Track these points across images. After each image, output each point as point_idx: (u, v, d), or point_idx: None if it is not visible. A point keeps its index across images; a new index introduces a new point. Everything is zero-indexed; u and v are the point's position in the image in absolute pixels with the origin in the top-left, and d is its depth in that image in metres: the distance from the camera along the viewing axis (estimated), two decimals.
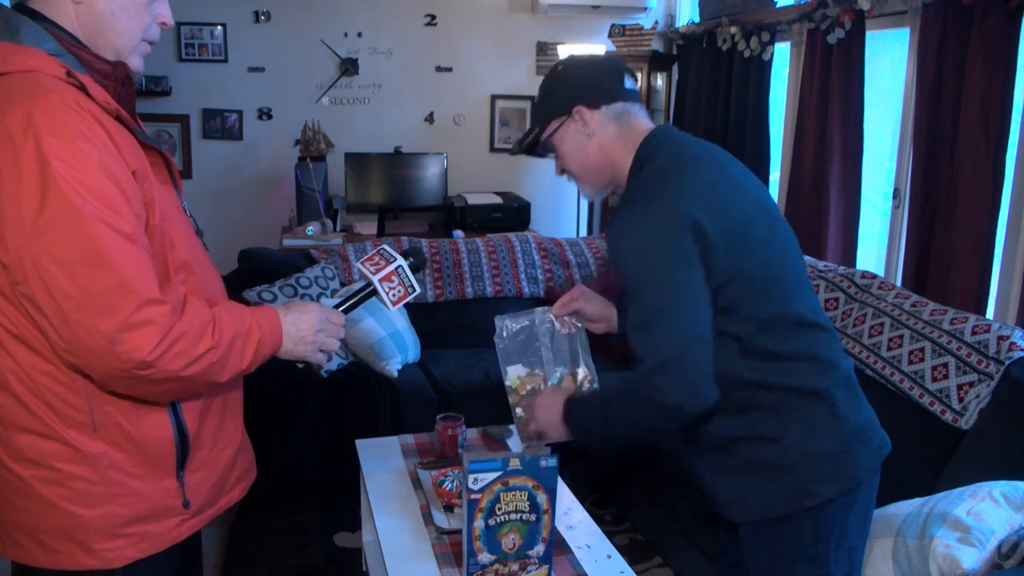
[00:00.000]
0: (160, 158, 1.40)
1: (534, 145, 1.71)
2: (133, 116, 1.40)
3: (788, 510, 1.56)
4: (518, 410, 1.81)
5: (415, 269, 1.66)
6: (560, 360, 1.81)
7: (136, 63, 1.39)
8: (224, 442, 1.51)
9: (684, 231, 1.44)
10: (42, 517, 1.33)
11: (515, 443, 2.45)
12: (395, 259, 1.63)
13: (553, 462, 1.64)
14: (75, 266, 1.17)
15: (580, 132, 1.64)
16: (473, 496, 1.61)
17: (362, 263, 1.65)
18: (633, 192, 1.56)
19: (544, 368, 1.80)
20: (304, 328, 1.48)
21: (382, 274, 1.62)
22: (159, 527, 1.40)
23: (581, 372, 1.81)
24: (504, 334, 1.81)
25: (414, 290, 1.65)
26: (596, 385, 1.80)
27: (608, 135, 1.63)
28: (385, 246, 1.68)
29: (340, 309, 1.60)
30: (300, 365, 1.57)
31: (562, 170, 1.72)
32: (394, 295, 1.63)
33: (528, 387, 1.80)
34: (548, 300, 2.02)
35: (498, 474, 1.61)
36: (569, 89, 1.64)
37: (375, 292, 1.63)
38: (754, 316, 1.51)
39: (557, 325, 1.81)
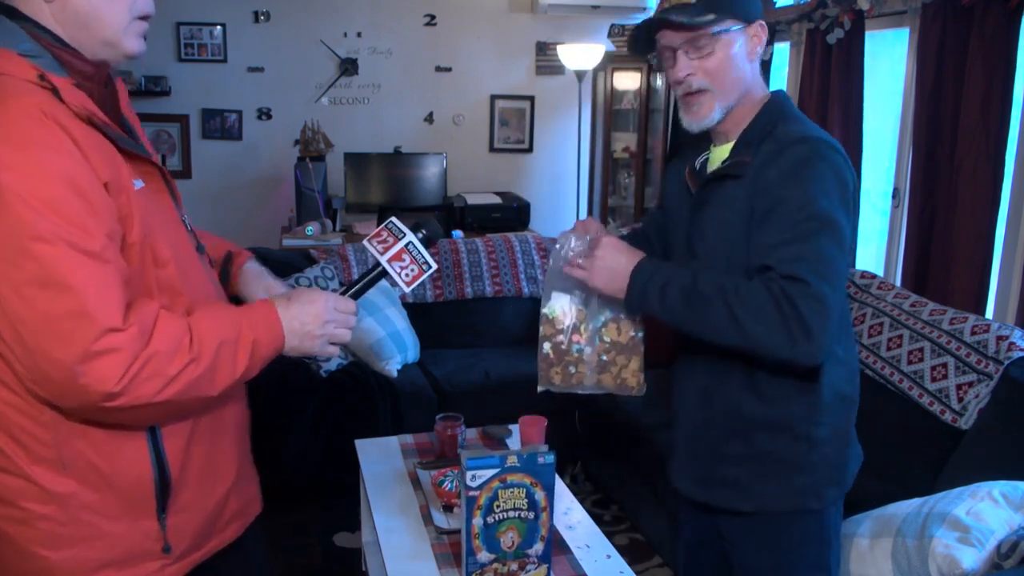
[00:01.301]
0: (152, 167, 1.32)
1: (689, 29, 1.48)
2: (118, 120, 1.31)
3: (789, 508, 1.55)
4: (546, 345, 1.65)
5: (428, 243, 1.46)
6: (608, 303, 1.62)
7: (134, 45, 1.27)
8: (215, 478, 1.39)
9: (853, 191, 1.45)
10: (9, 558, 1.25)
11: (514, 444, 2.45)
12: (404, 234, 1.44)
13: (550, 459, 1.64)
14: (27, 288, 1.08)
15: (748, 48, 1.51)
16: (471, 493, 1.60)
17: (368, 240, 1.46)
18: (799, 135, 1.45)
19: (590, 305, 1.63)
20: (310, 321, 1.34)
21: (391, 253, 1.43)
22: (135, 573, 1.28)
23: (628, 323, 1.65)
24: (563, 251, 1.60)
25: (429, 267, 1.45)
26: (640, 335, 1.66)
27: (755, 68, 1.55)
28: (394, 219, 1.48)
29: (348, 294, 1.44)
30: (309, 360, 1.45)
31: (690, 75, 1.51)
32: (407, 275, 1.44)
33: (567, 323, 1.64)
34: None
35: (496, 471, 1.61)
36: (755, 1, 1.53)
37: (385, 273, 1.45)
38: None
39: None
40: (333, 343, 1.40)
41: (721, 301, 1.38)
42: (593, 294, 1.61)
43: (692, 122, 1.55)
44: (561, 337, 1.65)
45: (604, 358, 1.66)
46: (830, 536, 1.59)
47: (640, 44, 1.60)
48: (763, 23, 1.52)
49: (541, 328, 1.66)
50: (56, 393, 1.14)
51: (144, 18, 1.29)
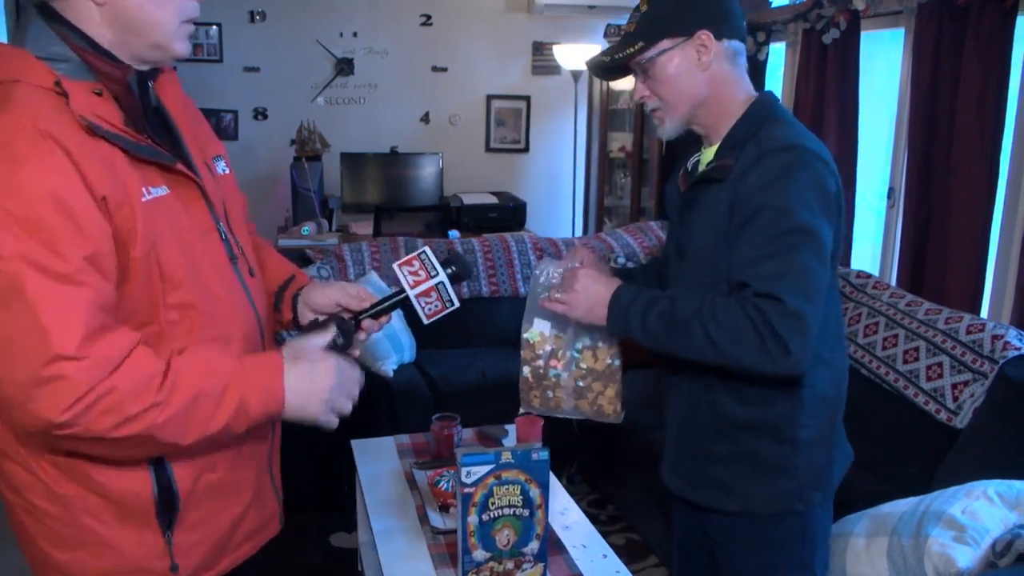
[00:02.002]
0: (184, 176, 1.27)
1: (624, 64, 1.54)
2: (143, 122, 1.25)
3: (774, 510, 1.56)
4: (525, 369, 1.68)
5: (457, 279, 1.46)
6: (587, 330, 1.65)
7: (182, 47, 1.27)
8: (233, 497, 1.34)
9: (836, 198, 1.44)
10: (26, 546, 1.27)
11: (511, 444, 2.45)
12: (437, 273, 1.43)
13: (544, 455, 1.64)
14: None
15: (694, 59, 1.50)
16: (467, 490, 1.60)
17: (400, 266, 1.46)
18: (780, 142, 1.44)
19: (568, 332, 1.66)
20: (319, 384, 1.27)
21: (420, 289, 1.43)
22: None
23: (604, 351, 1.66)
24: (543, 279, 1.64)
25: (452, 305, 1.46)
26: (617, 363, 1.67)
27: (722, 72, 1.51)
28: (427, 251, 1.46)
29: (370, 314, 1.45)
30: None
31: (645, 97, 1.56)
32: (430, 309, 1.45)
33: (546, 348, 1.67)
34: None
35: (491, 467, 1.61)
36: (697, 9, 1.49)
37: (407, 300, 1.45)
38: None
39: None
40: (336, 413, 1.32)
41: (699, 325, 1.40)
42: (571, 322, 1.63)
43: (660, 133, 1.61)
44: (540, 362, 1.69)
45: (580, 384, 1.69)
46: (815, 537, 1.59)
47: (603, 74, 1.66)
48: (708, 32, 1.48)
49: (522, 352, 1.69)
50: (11, 415, 1.12)
51: (191, 21, 1.29)
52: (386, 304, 1.47)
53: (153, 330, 1.21)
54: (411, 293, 1.43)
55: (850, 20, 3.41)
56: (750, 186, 1.43)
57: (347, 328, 1.40)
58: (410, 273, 1.44)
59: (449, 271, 1.44)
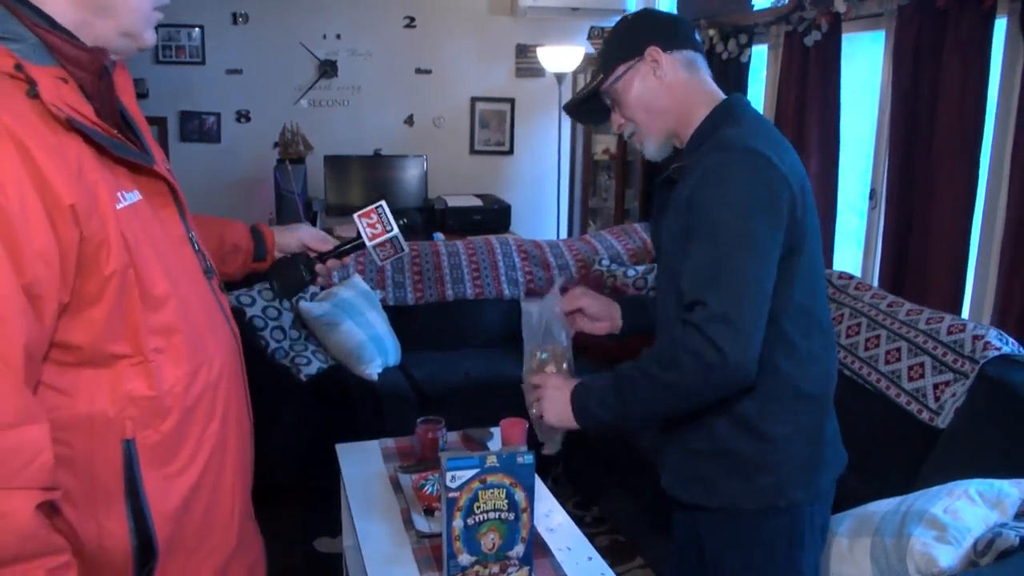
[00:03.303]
0: (157, 177, 1.16)
1: (592, 96, 1.64)
2: (113, 116, 1.14)
3: (755, 506, 1.56)
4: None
5: (409, 230, 1.69)
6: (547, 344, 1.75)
7: (150, 36, 1.18)
8: (211, 547, 1.26)
9: (782, 191, 1.44)
10: None
11: (496, 446, 2.45)
12: (392, 228, 1.65)
13: (530, 459, 1.64)
14: None
15: (650, 75, 1.57)
16: (452, 494, 1.60)
17: (359, 217, 1.66)
18: (723, 143, 1.48)
19: (542, 354, 1.75)
20: None
21: (377, 241, 1.65)
22: None
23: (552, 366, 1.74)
24: (534, 320, 1.75)
25: (403, 251, 1.68)
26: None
27: (680, 80, 1.58)
28: (383, 205, 1.68)
29: (331, 255, 1.67)
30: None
31: (621, 125, 1.64)
32: (383, 254, 1.67)
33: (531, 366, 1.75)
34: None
35: (476, 471, 1.60)
36: (642, 31, 1.59)
37: (364, 247, 1.67)
38: (794, 298, 1.49)
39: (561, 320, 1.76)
40: None
41: (639, 373, 1.47)
42: (554, 340, 1.74)
43: (648, 157, 1.67)
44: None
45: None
46: (803, 538, 1.59)
47: (582, 117, 1.77)
48: (656, 47, 1.55)
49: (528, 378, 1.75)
50: None
51: (161, 9, 1.20)
52: (345, 247, 1.69)
53: (135, 364, 1.11)
54: (369, 245, 1.65)
55: (831, 22, 3.43)
56: (690, 188, 1.47)
57: (310, 265, 1.66)
58: (368, 225, 1.65)
59: (401, 222, 1.67)
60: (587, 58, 4.98)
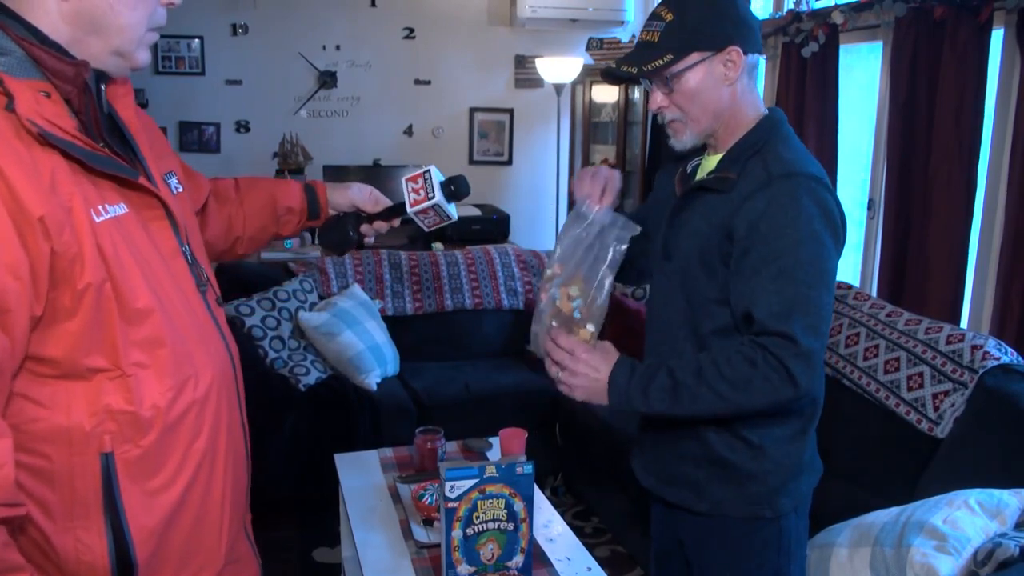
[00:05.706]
0: (143, 190, 1.15)
1: (651, 74, 1.47)
2: (98, 130, 1.13)
3: (743, 514, 1.56)
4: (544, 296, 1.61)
5: (455, 197, 1.61)
6: (574, 273, 1.58)
7: (143, 56, 1.17)
8: (198, 564, 1.23)
9: (843, 224, 1.46)
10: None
11: (495, 457, 2.45)
12: (434, 195, 1.57)
13: (529, 469, 1.64)
14: None
15: (720, 74, 1.47)
16: (451, 505, 1.60)
17: (407, 181, 1.61)
18: (785, 168, 1.44)
19: (567, 266, 1.59)
20: None
21: (420, 207, 1.58)
22: None
23: (578, 295, 1.57)
24: (584, 212, 1.61)
25: (450, 219, 1.62)
26: (579, 315, 1.58)
27: (742, 86, 1.50)
28: (432, 170, 1.60)
29: (379, 217, 1.65)
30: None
31: (663, 108, 1.52)
32: (428, 222, 1.62)
33: (547, 274, 1.62)
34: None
35: (475, 481, 1.60)
36: (727, 24, 1.46)
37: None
38: None
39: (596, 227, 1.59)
40: None
41: (705, 387, 1.42)
42: (574, 258, 1.58)
43: (675, 144, 1.58)
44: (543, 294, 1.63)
45: (554, 324, 1.59)
46: (790, 546, 1.59)
47: (615, 80, 1.63)
48: (737, 48, 1.46)
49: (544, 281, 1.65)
50: None
51: (156, 30, 1.18)
52: (393, 210, 1.66)
53: (113, 378, 1.10)
54: (410, 211, 1.59)
55: (829, 34, 3.44)
56: (756, 210, 1.42)
57: (358, 225, 1.67)
58: (412, 191, 1.60)
59: (450, 188, 1.60)
60: (586, 69, 5.00)
